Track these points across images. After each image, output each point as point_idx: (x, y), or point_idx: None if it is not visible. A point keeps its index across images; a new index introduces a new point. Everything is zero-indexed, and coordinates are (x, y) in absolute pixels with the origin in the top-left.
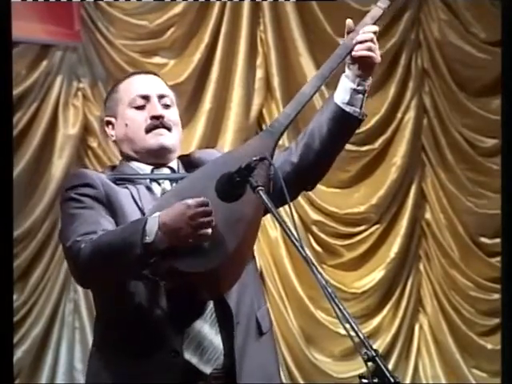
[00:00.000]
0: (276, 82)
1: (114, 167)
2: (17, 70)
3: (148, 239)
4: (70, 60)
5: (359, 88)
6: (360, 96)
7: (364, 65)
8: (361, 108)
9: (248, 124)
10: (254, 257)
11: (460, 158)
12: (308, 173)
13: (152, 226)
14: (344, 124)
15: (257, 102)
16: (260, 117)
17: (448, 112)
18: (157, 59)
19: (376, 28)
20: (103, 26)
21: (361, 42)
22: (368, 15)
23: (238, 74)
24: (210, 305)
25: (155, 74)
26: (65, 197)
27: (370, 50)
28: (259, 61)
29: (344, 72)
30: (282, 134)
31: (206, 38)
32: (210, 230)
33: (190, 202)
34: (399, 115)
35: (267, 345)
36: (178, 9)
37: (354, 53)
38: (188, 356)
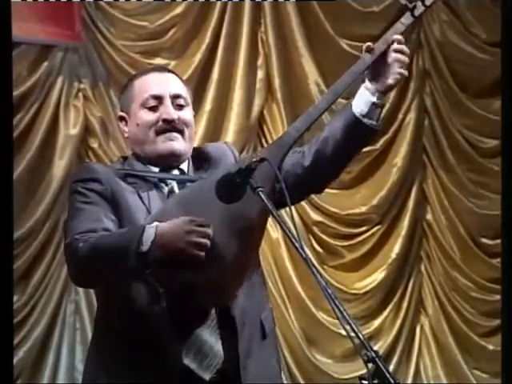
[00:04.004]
0: (277, 82)
1: (125, 158)
2: (18, 70)
3: (143, 248)
4: (71, 61)
5: (379, 102)
6: (378, 110)
7: (390, 80)
8: (377, 120)
9: (249, 125)
10: (259, 261)
11: (461, 159)
12: (318, 178)
13: (149, 236)
14: (359, 134)
15: (258, 103)
16: (261, 117)
17: (449, 113)
18: (158, 60)
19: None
20: (104, 27)
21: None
22: (389, 31)
23: (238, 74)
24: (212, 310)
25: (171, 72)
26: (72, 188)
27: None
28: (260, 61)
29: (364, 82)
30: (290, 147)
31: (207, 38)
32: (202, 253)
33: (191, 219)
34: (400, 116)
35: (270, 346)
36: (178, 9)
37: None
38: (187, 361)
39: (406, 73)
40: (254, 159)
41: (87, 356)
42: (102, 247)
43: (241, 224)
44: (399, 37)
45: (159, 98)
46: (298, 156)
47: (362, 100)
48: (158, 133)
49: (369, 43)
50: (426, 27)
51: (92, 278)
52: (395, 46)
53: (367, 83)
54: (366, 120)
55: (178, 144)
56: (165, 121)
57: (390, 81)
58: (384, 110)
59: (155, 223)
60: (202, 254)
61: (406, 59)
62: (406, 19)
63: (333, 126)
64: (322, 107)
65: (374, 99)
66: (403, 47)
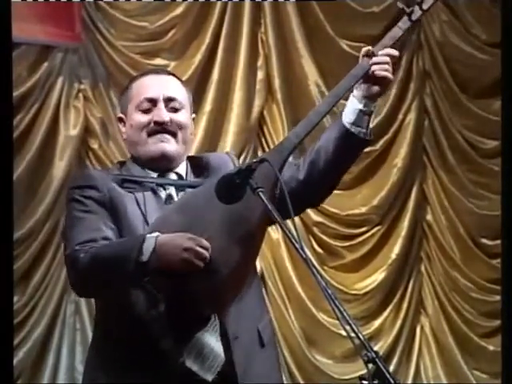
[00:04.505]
0: (277, 83)
1: (123, 163)
2: (18, 71)
3: (143, 258)
4: (71, 61)
5: (365, 109)
6: (366, 117)
7: (375, 86)
8: (366, 129)
9: (249, 125)
10: (256, 269)
11: (461, 160)
12: (313, 190)
13: (149, 246)
14: (349, 144)
15: (258, 104)
16: (261, 118)
17: (449, 113)
18: (158, 61)
19: (396, 52)
20: (104, 28)
21: (377, 63)
22: (387, 35)
23: (238, 75)
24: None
25: (169, 73)
26: (70, 196)
27: (385, 71)
28: (260, 62)
29: (352, 92)
30: (290, 153)
31: (207, 39)
32: (199, 268)
33: (192, 237)
34: (400, 116)
35: (269, 355)
36: (178, 10)
37: (372, 70)
38: (189, 363)
39: (390, 77)
40: (254, 160)
41: (87, 357)
42: (103, 257)
43: (241, 231)
44: (388, 43)
45: (153, 101)
46: (294, 169)
47: (350, 108)
48: (150, 134)
49: (368, 47)
50: (426, 28)
51: (93, 288)
52: (374, 59)
53: (355, 91)
54: (354, 128)
55: (170, 146)
56: (156, 123)
57: (375, 87)
58: (385, 108)
59: (156, 233)
60: (199, 268)
61: (385, 70)
62: (404, 23)
63: (325, 136)
64: (323, 111)
65: (361, 106)
66: (382, 59)
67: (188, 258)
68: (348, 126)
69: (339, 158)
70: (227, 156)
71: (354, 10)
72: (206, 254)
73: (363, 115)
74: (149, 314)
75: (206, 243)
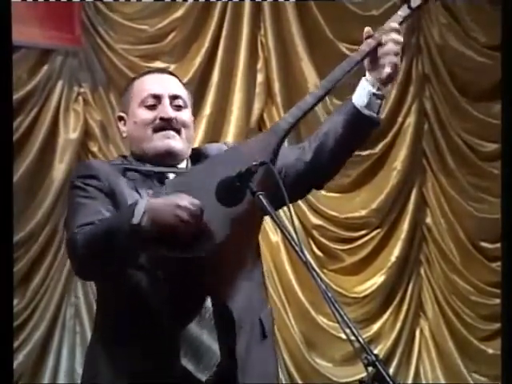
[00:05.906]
0: (276, 86)
1: (125, 157)
2: (18, 74)
3: (134, 220)
4: (71, 65)
5: (378, 93)
6: (378, 101)
7: (385, 70)
8: (378, 113)
9: (249, 128)
10: (260, 261)
11: (461, 163)
12: (320, 172)
13: (140, 208)
14: (360, 126)
15: (257, 107)
16: (261, 121)
17: (449, 116)
18: (157, 63)
19: (399, 28)
20: (104, 31)
21: (387, 54)
22: (387, 22)
23: (238, 78)
24: (209, 310)
25: (171, 74)
26: (71, 184)
27: (393, 63)
28: (260, 65)
29: (364, 75)
30: (287, 133)
31: (207, 42)
32: (189, 229)
33: (184, 196)
34: (400, 119)
35: (269, 346)
36: (178, 13)
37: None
38: (184, 362)
39: (398, 62)
40: (255, 162)
41: (88, 346)
42: (98, 231)
43: (238, 210)
44: (396, 25)
45: (158, 98)
46: (298, 152)
47: (363, 91)
48: (155, 130)
49: (368, 28)
50: (426, 31)
51: (93, 266)
52: (388, 36)
53: (367, 74)
54: (366, 111)
55: (175, 142)
56: (162, 119)
57: (386, 70)
58: (385, 111)
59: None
60: (189, 230)
61: (397, 49)
62: (403, 11)
63: (333, 119)
64: (319, 94)
65: (374, 90)
66: (395, 36)
67: (180, 215)
68: (360, 108)
69: (349, 139)
70: (225, 146)
71: (353, 13)
72: (198, 211)
73: (376, 99)
74: (150, 297)
75: (198, 202)
